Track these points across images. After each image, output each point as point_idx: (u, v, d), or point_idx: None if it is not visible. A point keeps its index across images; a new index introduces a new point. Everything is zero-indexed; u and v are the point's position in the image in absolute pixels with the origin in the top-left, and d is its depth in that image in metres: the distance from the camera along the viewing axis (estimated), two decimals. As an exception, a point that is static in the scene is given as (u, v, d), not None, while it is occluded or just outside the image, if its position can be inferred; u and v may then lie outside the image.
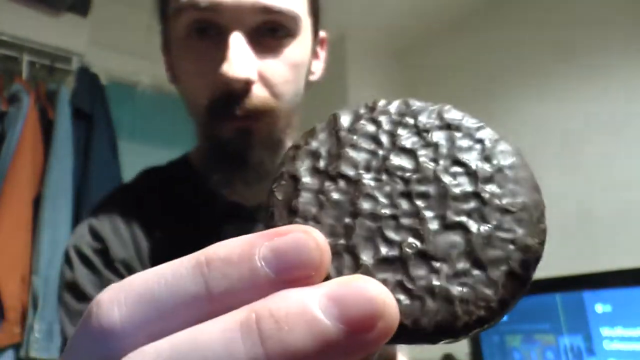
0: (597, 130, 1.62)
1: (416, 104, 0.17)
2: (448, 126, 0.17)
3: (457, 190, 0.16)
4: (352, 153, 0.16)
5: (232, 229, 0.46)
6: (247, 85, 0.42)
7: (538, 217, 0.15)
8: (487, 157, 0.16)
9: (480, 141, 0.16)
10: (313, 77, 0.52)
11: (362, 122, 0.17)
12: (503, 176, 0.16)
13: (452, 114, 0.17)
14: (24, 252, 1.35)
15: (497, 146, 0.16)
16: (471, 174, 0.16)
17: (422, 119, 0.17)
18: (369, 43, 2.21)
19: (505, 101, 1.88)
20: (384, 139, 0.17)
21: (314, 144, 0.17)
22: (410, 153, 0.16)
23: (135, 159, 0.57)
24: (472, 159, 0.16)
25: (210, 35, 0.43)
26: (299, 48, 0.45)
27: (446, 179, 0.16)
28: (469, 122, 0.17)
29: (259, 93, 0.42)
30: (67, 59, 1.66)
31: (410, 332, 0.14)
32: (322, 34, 0.53)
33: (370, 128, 0.17)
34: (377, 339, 0.12)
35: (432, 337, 0.14)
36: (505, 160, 0.16)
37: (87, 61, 1.67)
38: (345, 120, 0.17)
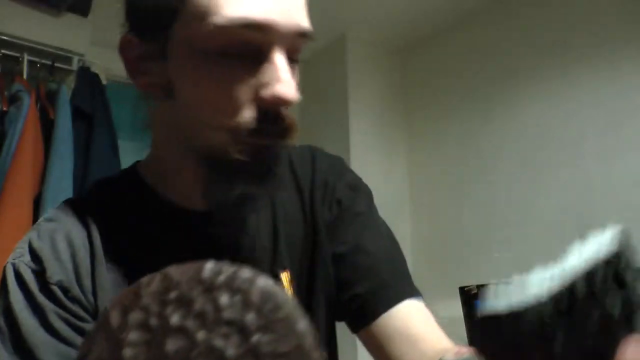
0: (597, 131, 1.62)
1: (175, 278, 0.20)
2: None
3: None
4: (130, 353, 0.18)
5: (177, 237, 0.47)
6: (288, 105, 0.42)
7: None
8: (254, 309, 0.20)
9: (238, 291, 0.20)
10: None
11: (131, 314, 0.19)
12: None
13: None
14: (24, 252, 1.35)
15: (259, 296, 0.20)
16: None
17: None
18: (370, 43, 2.21)
19: (505, 102, 1.88)
20: (154, 322, 0.19)
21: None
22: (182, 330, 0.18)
23: (135, 158, 0.56)
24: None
25: (246, 55, 0.41)
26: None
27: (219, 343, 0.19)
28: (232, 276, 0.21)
29: (289, 114, 0.43)
30: (67, 58, 1.66)
31: None
32: None
33: (139, 316, 0.19)
34: None
35: None
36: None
37: (87, 61, 1.67)
38: (114, 317, 0.19)
